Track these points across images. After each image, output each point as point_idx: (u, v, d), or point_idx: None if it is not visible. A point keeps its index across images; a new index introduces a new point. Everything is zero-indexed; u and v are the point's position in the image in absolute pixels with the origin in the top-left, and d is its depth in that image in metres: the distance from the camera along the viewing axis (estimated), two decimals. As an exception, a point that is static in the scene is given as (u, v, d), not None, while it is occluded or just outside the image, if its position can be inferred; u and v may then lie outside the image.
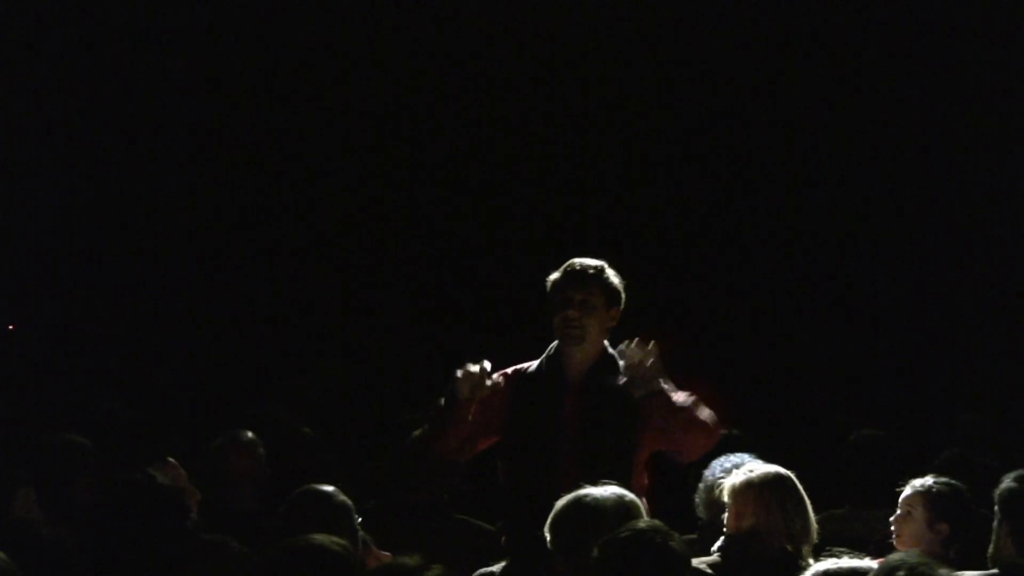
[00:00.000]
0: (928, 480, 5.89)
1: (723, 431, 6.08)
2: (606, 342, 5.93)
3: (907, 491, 5.89)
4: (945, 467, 6.47)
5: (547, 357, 5.93)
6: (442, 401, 5.88)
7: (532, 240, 11.45)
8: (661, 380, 5.83)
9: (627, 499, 4.92)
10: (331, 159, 11.75)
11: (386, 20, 11.65)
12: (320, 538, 4.40)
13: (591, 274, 5.85)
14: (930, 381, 10.61)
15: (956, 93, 11.35)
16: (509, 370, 5.98)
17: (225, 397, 8.77)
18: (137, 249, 11.17)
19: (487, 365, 5.81)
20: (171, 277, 11.16)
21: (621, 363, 5.89)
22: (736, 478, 5.69)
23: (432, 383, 8.60)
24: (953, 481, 5.87)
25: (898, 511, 5.90)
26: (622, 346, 5.86)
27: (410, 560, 4.14)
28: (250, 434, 6.68)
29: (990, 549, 5.54)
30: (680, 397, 5.88)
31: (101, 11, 11.03)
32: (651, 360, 5.81)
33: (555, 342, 5.94)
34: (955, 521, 5.78)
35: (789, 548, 5.67)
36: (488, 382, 5.79)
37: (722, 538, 5.68)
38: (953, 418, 8.20)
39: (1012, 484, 5.52)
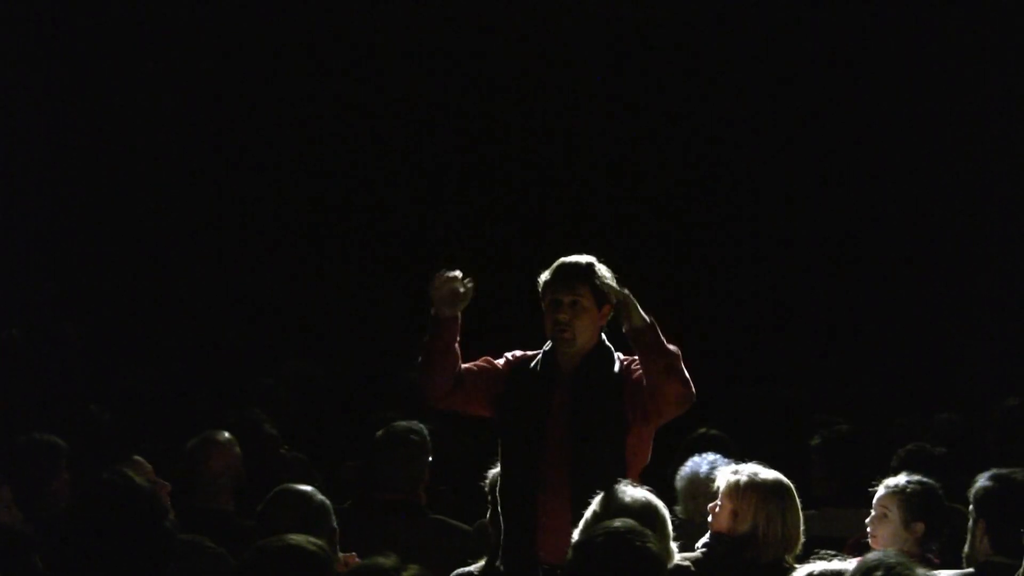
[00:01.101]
0: (901, 479, 5.87)
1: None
2: (603, 335, 5.89)
3: (880, 491, 5.86)
4: (904, 462, 6.51)
5: (544, 352, 5.92)
6: (426, 336, 5.82)
7: (509, 241, 11.46)
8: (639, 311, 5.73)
9: (655, 503, 4.92)
10: (304, 161, 11.74)
11: (368, 17, 11.66)
12: (296, 538, 4.38)
13: (580, 274, 5.80)
14: (908, 380, 10.64)
15: (913, 100, 11.44)
16: (514, 354, 5.97)
17: (199, 398, 8.75)
18: (111, 252, 11.15)
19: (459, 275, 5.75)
20: (146, 278, 11.14)
21: (618, 360, 5.86)
22: (740, 477, 5.61)
23: (406, 382, 8.61)
24: (926, 480, 5.86)
25: (872, 512, 5.88)
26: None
27: (386, 560, 4.12)
28: (226, 434, 6.66)
29: (965, 548, 5.54)
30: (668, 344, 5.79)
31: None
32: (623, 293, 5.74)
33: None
34: (930, 520, 5.78)
35: (789, 559, 5.66)
36: (463, 289, 5.74)
37: (708, 534, 5.62)
38: (929, 417, 8.23)
39: (987, 483, 5.52)
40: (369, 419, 7.69)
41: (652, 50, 11.78)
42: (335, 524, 5.18)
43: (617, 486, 5.00)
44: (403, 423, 6.79)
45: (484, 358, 5.96)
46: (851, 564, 4.68)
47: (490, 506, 5.89)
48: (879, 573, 4.14)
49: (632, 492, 4.94)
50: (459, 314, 5.80)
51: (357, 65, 11.76)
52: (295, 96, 11.66)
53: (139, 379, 9.02)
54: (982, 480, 5.56)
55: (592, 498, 5.15)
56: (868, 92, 11.57)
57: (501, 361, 5.96)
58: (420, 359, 5.84)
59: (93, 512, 4.40)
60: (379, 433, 6.76)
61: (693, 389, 5.77)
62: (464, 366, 5.87)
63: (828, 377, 10.64)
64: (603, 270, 5.83)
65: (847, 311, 11.53)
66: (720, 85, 11.68)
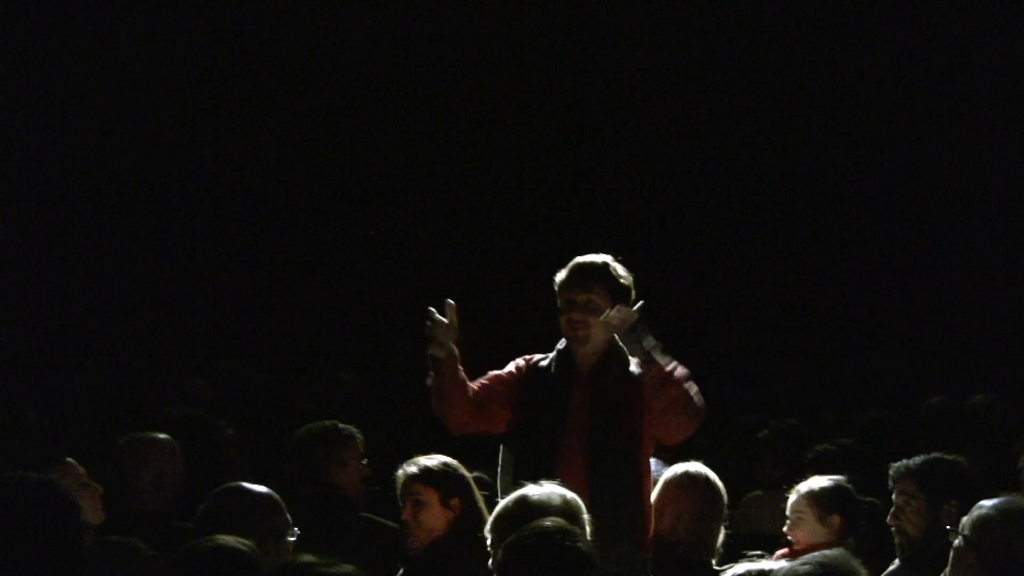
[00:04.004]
0: (810, 482, 5.96)
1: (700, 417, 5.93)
2: (616, 335, 5.93)
3: (792, 497, 5.93)
4: (816, 462, 6.62)
5: (558, 352, 5.97)
6: (430, 377, 5.86)
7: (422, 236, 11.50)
8: (651, 341, 5.79)
9: (570, 499, 4.89)
10: (234, 161, 11.71)
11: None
12: (226, 539, 4.37)
13: (594, 274, 5.88)
14: (842, 379, 10.76)
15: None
16: (525, 359, 6.01)
17: (132, 399, 8.70)
18: (43, 249, 11.08)
19: (442, 315, 5.73)
20: (77, 275, 11.08)
21: (633, 362, 5.92)
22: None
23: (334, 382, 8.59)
24: (835, 477, 5.96)
25: (788, 521, 5.93)
26: (604, 316, 5.80)
27: (312, 558, 4.09)
28: (161, 435, 6.59)
29: (907, 528, 5.64)
30: (678, 370, 5.87)
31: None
32: (632, 318, 5.77)
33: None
34: (845, 513, 5.86)
35: (709, 559, 5.72)
36: (448, 322, 5.73)
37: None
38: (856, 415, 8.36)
39: (931, 463, 5.68)
40: (298, 417, 7.67)
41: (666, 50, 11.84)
42: (285, 525, 5.11)
43: (532, 483, 4.98)
44: (318, 422, 6.83)
45: (490, 374, 5.97)
46: (776, 564, 4.72)
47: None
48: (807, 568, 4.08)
49: (549, 489, 4.92)
50: (455, 348, 5.80)
51: (304, 67, 11.75)
52: (225, 98, 11.62)
53: (72, 381, 8.96)
54: (925, 464, 5.64)
55: (609, 497, 5.26)
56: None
57: (510, 369, 6.00)
58: (432, 398, 5.88)
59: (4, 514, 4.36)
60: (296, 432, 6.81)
61: (698, 417, 5.83)
62: (475, 388, 5.89)
63: (762, 378, 10.75)
64: (619, 269, 5.94)
65: (783, 315, 11.65)
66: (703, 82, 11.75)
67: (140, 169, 11.54)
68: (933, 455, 5.81)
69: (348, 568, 3.99)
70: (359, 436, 6.78)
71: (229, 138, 11.69)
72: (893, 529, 5.78)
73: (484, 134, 11.96)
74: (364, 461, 6.76)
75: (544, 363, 5.97)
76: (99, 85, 11.35)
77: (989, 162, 11.44)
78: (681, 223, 12.00)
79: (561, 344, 5.97)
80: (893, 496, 5.78)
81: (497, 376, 5.97)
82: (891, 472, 5.81)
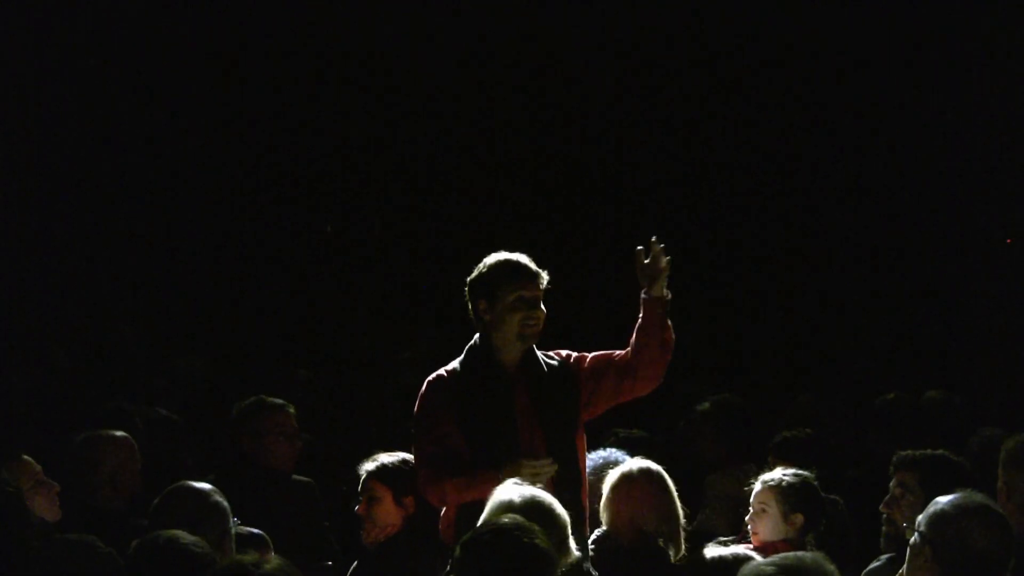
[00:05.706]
0: (777, 474, 5.95)
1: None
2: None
3: (757, 487, 5.92)
4: (779, 448, 6.68)
5: (473, 352, 5.92)
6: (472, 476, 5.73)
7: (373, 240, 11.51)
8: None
9: (546, 502, 4.90)
10: (194, 157, 11.68)
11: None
12: (177, 534, 4.40)
13: (537, 270, 5.89)
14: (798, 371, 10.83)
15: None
16: (442, 373, 5.92)
17: (90, 394, 8.68)
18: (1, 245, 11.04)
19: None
20: (35, 270, 11.04)
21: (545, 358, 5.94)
22: (615, 472, 5.76)
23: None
24: (801, 472, 5.96)
25: (751, 509, 5.94)
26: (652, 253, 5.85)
27: (245, 557, 4.11)
28: (118, 432, 6.59)
29: (899, 518, 5.64)
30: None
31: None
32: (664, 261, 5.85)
33: (477, 335, 5.93)
34: (808, 511, 5.88)
35: (660, 543, 5.74)
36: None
37: (598, 530, 5.73)
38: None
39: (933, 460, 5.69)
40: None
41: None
42: (231, 525, 5.14)
43: (507, 485, 5.01)
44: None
45: (444, 443, 5.83)
46: (742, 550, 4.73)
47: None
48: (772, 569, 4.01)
49: (522, 490, 4.94)
50: None
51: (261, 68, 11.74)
52: (181, 102, 11.60)
53: (28, 378, 8.93)
54: (929, 460, 5.68)
55: (569, 485, 5.38)
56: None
57: (432, 400, 5.88)
58: (452, 493, 5.75)
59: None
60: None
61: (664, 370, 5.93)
62: (451, 450, 5.81)
63: (722, 372, 10.81)
64: None
65: (741, 310, 11.71)
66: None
67: (101, 167, 11.50)
68: (938, 451, 5.81)
69: (277, 563, 4.01)
70: (289, 410, 6.81)
71: (187, 138, 11.67)
72: (884, 517, 5.78)
73: (446, 130, 11.97)
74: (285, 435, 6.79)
75: (458, 372, 5.91)
76: (63, 82, 11.32)
77: (946, 160, 11.52)
78: (645, 214, 12.03)
79: (475, 342, 5.91)
80: (891, 484, 5.79)
81: (441, 431, 5.84)
82: (894, 459, 5.81)
